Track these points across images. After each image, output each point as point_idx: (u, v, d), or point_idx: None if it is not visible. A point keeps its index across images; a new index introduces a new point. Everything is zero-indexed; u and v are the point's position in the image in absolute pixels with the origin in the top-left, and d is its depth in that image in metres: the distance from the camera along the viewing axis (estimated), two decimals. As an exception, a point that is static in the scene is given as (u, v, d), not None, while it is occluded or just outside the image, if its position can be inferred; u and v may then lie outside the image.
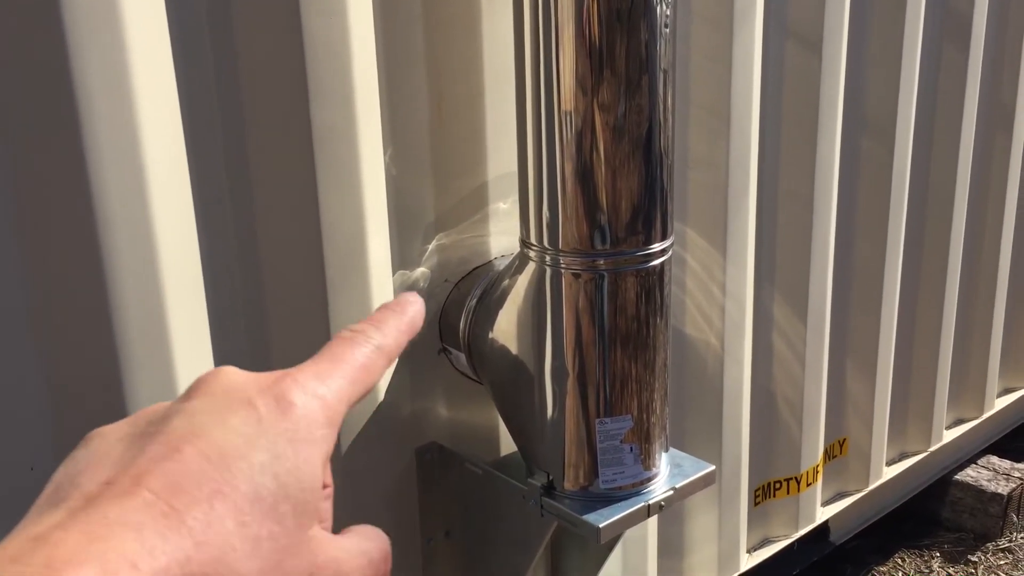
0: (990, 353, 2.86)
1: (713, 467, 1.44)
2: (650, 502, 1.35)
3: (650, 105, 1.23)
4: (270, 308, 1.30)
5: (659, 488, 1.38)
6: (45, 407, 1.09)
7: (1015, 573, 2.69)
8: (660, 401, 1.36)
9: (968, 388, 2.88)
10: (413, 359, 1.45)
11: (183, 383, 1.17)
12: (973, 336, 2.82)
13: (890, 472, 2.61)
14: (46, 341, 1.08)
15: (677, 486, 1.38)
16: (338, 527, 0.45)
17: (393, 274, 1.39)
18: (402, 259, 1.41)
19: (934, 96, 2.38)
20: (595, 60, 1.19)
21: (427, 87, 1.38)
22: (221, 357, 1.25)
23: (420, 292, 1.45)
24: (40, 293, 1.06)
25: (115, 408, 1.12)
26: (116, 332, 1.10)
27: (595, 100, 1.20)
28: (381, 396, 1.39)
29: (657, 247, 1.28)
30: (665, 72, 1.24)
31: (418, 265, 1.44)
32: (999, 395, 3.03)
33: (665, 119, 1.26)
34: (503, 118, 1.42)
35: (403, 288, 1.42)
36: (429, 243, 1.44)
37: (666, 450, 1.41)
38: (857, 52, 2.10)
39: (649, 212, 1.27)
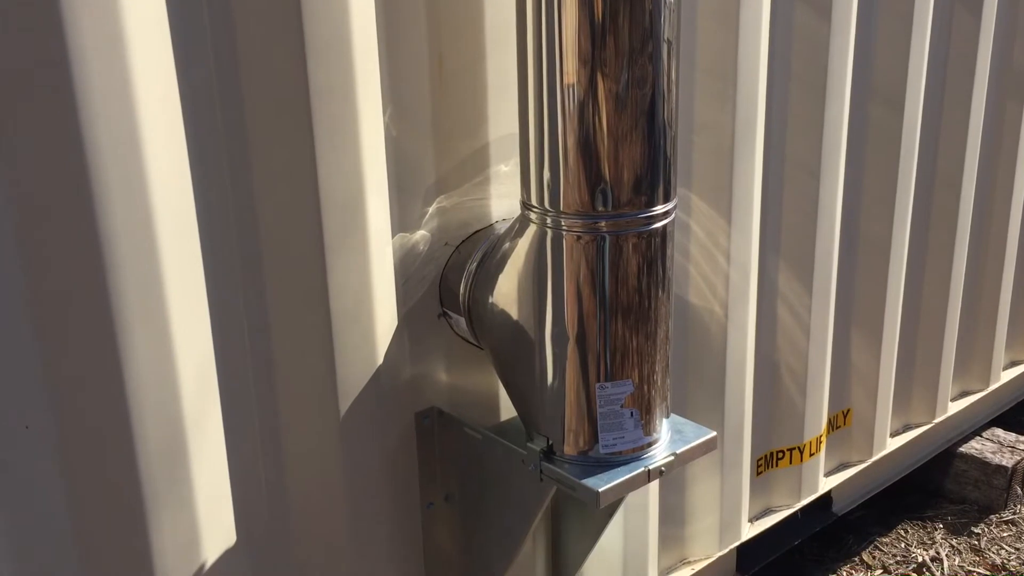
0: (997, 325, 2.84)
1: (715, 433, 1.43)
2: (650, 467, 1.34)
3: (654, 75, 1.21)
4: (267, 271, 1.28)
5: (660, 453, 1.37)
6: (39, 367, 1.08)
7: (1019, 545, 2.68)
8: (662, 360, 1.35)
9: (974, 360, 2.86)
10: (412, 323, 1.44)
11: (178, 341, 1.16)
12: (980, 307, 2.79)
13: (894, 443, 2.60)
14: (40, 309, 1.07)
15: (678, 451, 1.37)
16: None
17: (392, 237, 1.38)
18: (402, 222, 1.40)
19: (945, 62, 2.34)
20: (598, 30, 1.17)
21: (427, 46, 1.36)
22: (218, 319, 1.24)
23: (420, 255, 1.44)
24: (34, 263, 1.05)
25: (111, 365, 1.11)
26: (111, 291, 1.09)
27: (598, 70, 1.18)
28: (380, 360, 1.38)
29: (660, 209, 1.26)
30: (669, 43, 1.21)
31: (418, 228, 1.42)
32: (1005, 368, 3.01)
33: (669, 90, 1.23)
34: (505, 79, 1.40)
35: (403, 251, 1.41)
36: (429, 206, 1.42)
37: (667, 416, 1.40)
38: (867, 15, 2.07)
39: (652, 178, 1.25)
